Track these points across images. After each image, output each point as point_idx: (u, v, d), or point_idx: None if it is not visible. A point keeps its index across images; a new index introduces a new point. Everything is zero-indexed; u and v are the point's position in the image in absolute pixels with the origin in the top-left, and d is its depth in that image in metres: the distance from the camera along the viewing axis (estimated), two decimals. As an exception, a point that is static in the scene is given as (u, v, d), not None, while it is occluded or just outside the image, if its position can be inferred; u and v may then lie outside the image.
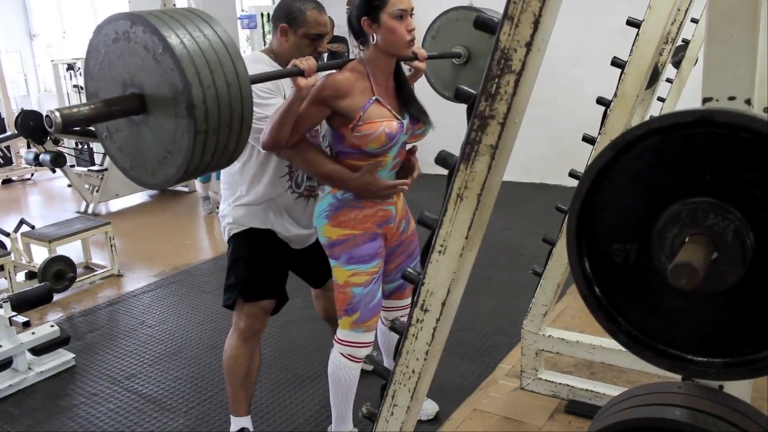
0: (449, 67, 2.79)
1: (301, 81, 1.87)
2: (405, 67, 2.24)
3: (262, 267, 2.38)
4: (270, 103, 2.09)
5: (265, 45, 6.62)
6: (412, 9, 2.04)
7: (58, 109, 1.19)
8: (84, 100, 1.33)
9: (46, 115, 1.19)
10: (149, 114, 1.23)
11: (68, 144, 7.35)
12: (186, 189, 6.82)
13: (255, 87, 1.93)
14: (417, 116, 2.18)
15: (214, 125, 1.19)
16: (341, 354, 2.22)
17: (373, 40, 2.03)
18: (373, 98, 2.05)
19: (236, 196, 2.32)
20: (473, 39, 2.68)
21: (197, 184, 6.06)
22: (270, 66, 2.19)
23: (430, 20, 2.83)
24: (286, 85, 2.17)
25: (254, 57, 2.29)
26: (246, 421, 2.51)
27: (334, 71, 2.12)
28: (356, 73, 2.06)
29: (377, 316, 2.23)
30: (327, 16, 2.23)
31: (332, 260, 2.19)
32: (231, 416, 2.53)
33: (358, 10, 2.03)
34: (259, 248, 2.35)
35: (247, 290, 2.36)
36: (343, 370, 2.25)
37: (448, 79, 2.82)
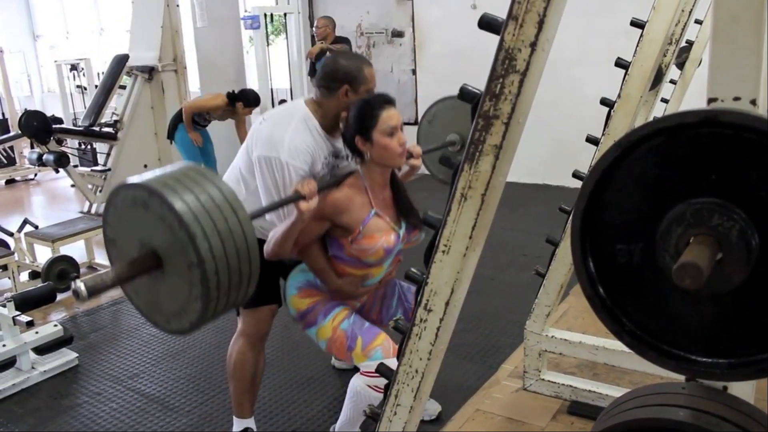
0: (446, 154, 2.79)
1: (303, 205, 1.93)
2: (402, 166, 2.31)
3: (266, 272, 2.37)
4: (291, 177, 2.13)
5: (268, 45, 6.65)
6: (402, 124, 2.13)
7: (83, 281, 1.26)
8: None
9: (73, 289, 1.26)
10: (165, 272, 1.31)
11: (71, 144, 7.37)
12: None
13: (292, 168, 2.08)
14: (413, 224, 2.25)
15: (225, 289, 1.28)
16: (368, 386, 2.17)
17: (367, 156, 2.12)
18: (373, 212, 2.15)
19: None
20: (467, 126, 2.68)
21: None
22: (316, 133, 2.21)
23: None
24: (320, 149, 2.21)
25: (303, 118, 2.22)
26: (250, 422, 2.52)
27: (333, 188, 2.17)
28: (354, 189, 2.15)
29: (382, 336, 2.20)
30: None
31: (310, 329, 2.25)
32: (234, 417, 2.53)
33: (352, 129, 2.11)
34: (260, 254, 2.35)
35: (253, 297, 2.35)
36: (367, 398, 2.18)
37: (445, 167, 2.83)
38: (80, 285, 1.24)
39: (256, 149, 2.17)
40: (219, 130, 5.93)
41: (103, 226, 1.41)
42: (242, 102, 5.48)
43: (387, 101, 2.11)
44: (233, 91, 5.51)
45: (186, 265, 1.25)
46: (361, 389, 2.19)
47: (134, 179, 1.29)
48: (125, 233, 1.36)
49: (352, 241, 2.13)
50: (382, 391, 2.18)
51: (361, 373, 2.18)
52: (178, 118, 5.62)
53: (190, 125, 5.56)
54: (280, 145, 2.11)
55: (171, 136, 5.76)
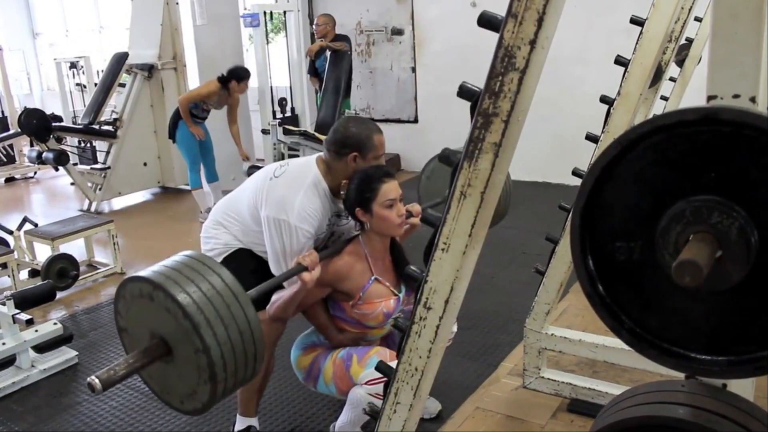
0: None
1: (306, 276, 1.98)
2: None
3: (265, 275, 2.38)
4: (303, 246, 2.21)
5: (267, 43, 6.63)
6: (401, 195, 2.18)
7: (97, 377, 1.34)
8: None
9: (88, 383, 1.34)
10: (174, 358, 1.39)
11: (71, 142, 7.37)
12: (189, 187, 6.83)
13: (300, 231, 2.16)
14: (413, 287, 2.22)
15: (232, 371, 1.36)
16: (369, 394, 2.16)
17: (368, 226, 2.18)
18: (372, 278, 2.21)
19: (226, 236, 2.42)
20: None
21: (195, 194, 5.95)
22: (324, 197, 2.25)
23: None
24: (326, 212, 2.26)
25: (314, 182, 2.25)
26: (253, 420, 2.53)
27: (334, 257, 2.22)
28: (354, 256, 2.21)
29: (377, 348, 2.27)
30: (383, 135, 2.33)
31: (318, 382, 2.30)
32: (238, 415, 2.54)
33: (352, 200, 2.17)
34: (256, 258, 2.38)
35: (265, 298, 2.36)
36: (366, 404, 2.19)
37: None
38: (95, 380, 1.32)
39: (266, 207, 2.23)
40: (215, 124, 5.92)
41: (115, 316, 1.49)
42: (234, 79, 5.52)
43: (386, 174, 2.17)
44: (222, 74, 5.54)
45: (193, 351, 1.33)
46: (361, 397, 2.19)
47: (140, 273, 1.38)
48: (135, 322, 1.45)
49: (352, 306, 2.21)
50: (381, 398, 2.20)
51: (362, 384, 2.18)
52: (177, 116, 5.62)
53: (189, 118, 5.56)
54: (290, 209, 2.17)
55: (172, 135, 5.75)
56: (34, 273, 4.47)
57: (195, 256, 1.45)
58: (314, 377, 2.31)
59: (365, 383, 2.16)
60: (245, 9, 7.72)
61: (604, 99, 2.61)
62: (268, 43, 6.69)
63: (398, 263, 2.30)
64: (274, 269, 2.24)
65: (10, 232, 4.74)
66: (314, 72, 6.81)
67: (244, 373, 1.40)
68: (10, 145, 8.23)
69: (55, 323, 3.33)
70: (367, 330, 2.29)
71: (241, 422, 2.53)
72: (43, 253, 4.57)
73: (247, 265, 2.35)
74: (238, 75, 5.54)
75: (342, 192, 2.23)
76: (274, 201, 2.21)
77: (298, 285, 2.04)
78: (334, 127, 2.35)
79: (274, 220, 2.19)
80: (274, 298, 2.17)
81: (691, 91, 4.20)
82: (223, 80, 5.50)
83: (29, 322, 3.14)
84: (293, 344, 2.43)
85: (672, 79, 4.18)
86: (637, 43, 2.47)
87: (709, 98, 1.00)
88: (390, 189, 2.14)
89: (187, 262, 1.43)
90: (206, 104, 5.63)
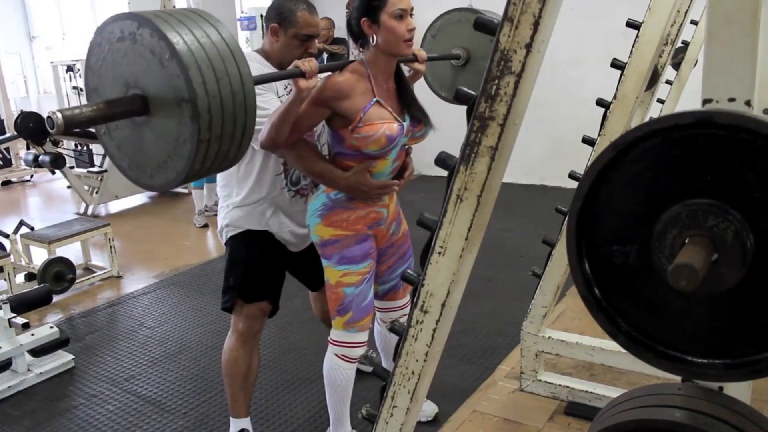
0: (448, 69, 2.79)
1: (302, 82, 1.86)
2: (405, 69, 2.24)
3: (260, 268, 2.38)
4: (264, 100, 2.07)
5: (264, 46, 6.64)
6: (412, 9, 2.05)
7: (60, 110, 1.17)
8: (84, 101, 1.31)
9: (48, 117, 1.17)
10: (151, 117, 1.21)
11: (68, 145, 7.36)
12: (186, 191, 6.82)
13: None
14: (418, 117, 2.18)
15: (217, 134, 1.18)
16: (335, 355, 2.23)
17: (373, 41, 2.04)
18: (374, 100, 2.05)
19: (233, 196, 2.33)
20: (473, 41, 2.68)
21: (194, 194, 5.95)
22: (263, 65, 2.18)
23: (430, 20, 2.84)
24: (278, 84, 2.17)
25: (248, 56, 2.27)
26: (245, 423, 2.50)
27: (334, 72, 2.12)
28: (357, 75, 2.07)
29: (370, 316, 2.24)
30: (318, 17, 2.23)
31: (324, 260, 2.21)
32: (230, 417, 2.53)
33: (358, 11, 2.04)
34: (257, 249, 2.35)
35: (246, 292, 2.36)
36: (338, 371, 2.25)
37: (447, 80, 2.82)
38: (58, 114, 1.16)
39: None
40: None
41: (85, 72, 1.30)
42: None
43: None
44: None
45: (175, 102, 1.15)
46: (330, 360, 2.24)
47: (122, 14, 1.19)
48: (109, 78, 1.25)
49: (352, 130, 2.03)
50: (351, 360, 2.23)
51: (330, 341, 2.23)
52: None
53: None
54: None
55: None
56: (30, 276, 4.46)
57: (193, 9, 1.27)
58: (323, 254, 2.20)
59: (335, 342, 2.21)
60: (242, 12, 7.73)
61: (600, 102, 2.61)
62: (264, 45, 6.68)
63: (402, 91, 2.16)
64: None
65: (7, 236, 4.73)
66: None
67: (229, 145, 1.22)
68: (7, 149, 8.21)
69: (51, 327, 3.32)
70: (370, 162, 2.11)
71: (234, 425, 2.51)
72: (39, 256, 4.56)
73: (248, 254, 2.34)
74: None
75: (346, 10, 2.15)
76: None
77: (293, 95, 1.90)
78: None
79: None
80: (266, 121, 2.00)
81: (687, 94, 4.21)
82: None
83: (25, 326, 3.13)
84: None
85: (668, 82, 4.20)
86: (633, 46, 2.47)
87: (705, 102, 1.01)
88: None
89: (182, 10, 1.24)
90: None
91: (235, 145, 1.24)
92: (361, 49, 2.12)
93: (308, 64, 1.87)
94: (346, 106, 2.02)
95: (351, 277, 2.16)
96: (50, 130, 1.18)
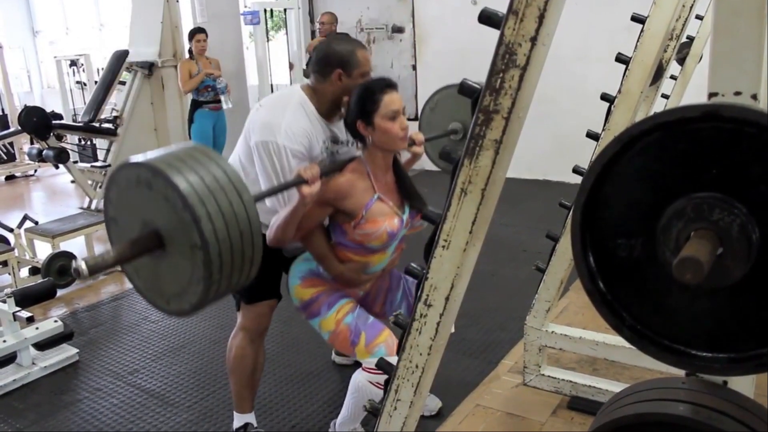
0: (447, 143, 2.79)
1: (305, 190, 1.90)
2: (404, 152, 2.29)
3: (264, 268, 2.37)
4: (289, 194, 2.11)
5: (268, 41, 6.64)
6: (404, 108, 2.12)
7: (84, 260, 1.24)
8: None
9: (74, 268, 1.23)
10: (167, 252, 1.29)
11: (71, 140, 7.37)
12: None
13: (289, 151, 2.08)
14: (417, 207, 2.23)
15: (228, 272, 1.27)
16: (370, 382, 2.16)
17: (369, 141, 2.11)
18: (376, 196, 2.12)
19: None
20: (469, 114, 2.68)
21: None
22: (313, 118, 2.19)
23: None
24: (318, 133, 2.20)
25: (299, 102, 2.21)
26: (250, 417, 2.52)
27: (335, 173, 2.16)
28: (357, 173, 2.13)
29: (386, 332, 2.19)
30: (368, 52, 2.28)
31: (313, 320, 2.23)
32: (234, 412, 2.54)
33: (353, 114, 2.10)
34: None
35: (252, 292, 2.36)
36: (368, 395, 2.16)
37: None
38: (81, 263, 1.22)
39: (253, 136, 2.16)
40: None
41: (104, 204, 1.37)
42: (195, 35, 6.02)
43: (388, 85, 2.09)
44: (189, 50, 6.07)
45: (189, 246, 1.23)
46: (363, 385, 2.19)
47: (138, 158, 1.26)
48: (127, 212, 1.34)
49: (355, 226, 2.11)
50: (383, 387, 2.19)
51: (364, 369, 2.17)
52: (193, 109, 5.93)
53: (189, 82, 5.99)
54: (277, 130, 2.10)
55: (189, 128, 6.18)
56: (34, 271, 4.47)
57: (198, 147, 1.35)
58: (310, 314, 2.24)
59: (368, 370, 2.15)
60: (246, 7, 7.72)
61: (604, 97, 2.60)
62: (268, 40, 6.69)
63: (402, 183, 2.22)
64: (270, 202, 2.16)
65: (11, 230, 4.74)
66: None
67: (238, 277, 1.30)
68: (11, 143, 8.24)
69: (55, 321, 3.33)
70: (370, 256, 2.20)
71: (238, 420, 2.52)
72: (43, 250, 4.57)
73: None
74: (191, 31, 6.12)
75: (343, 109, 2.15)
76: (260, 126, 2.14)
77: (297, 202, 1.96)
78: (316, 47, 2.30)
79: (261, 143, 2.11)
80: (272, 222, 2.08)
81: (691, 89, 4.20)
82: (189, 50, 6.07)
83: (30, 320, 3.15)
84: (298, 320, 2.33)
85: (673, 77, 4.18)
86: (638, 40, 2.47)
87: (711, 95, 1.00)
88: (393, 100, 2.06)
89: (191, 152, 1.31)
90: (208, 82, 5.98)
91: (243, 276, 1.33)
92: (359, 146, 2.19)
93: (310, 171, 1.91)
94: (348, 204, 2.10)
95: (343, 309, 2.21)
96: (76, 278, 1.26)
